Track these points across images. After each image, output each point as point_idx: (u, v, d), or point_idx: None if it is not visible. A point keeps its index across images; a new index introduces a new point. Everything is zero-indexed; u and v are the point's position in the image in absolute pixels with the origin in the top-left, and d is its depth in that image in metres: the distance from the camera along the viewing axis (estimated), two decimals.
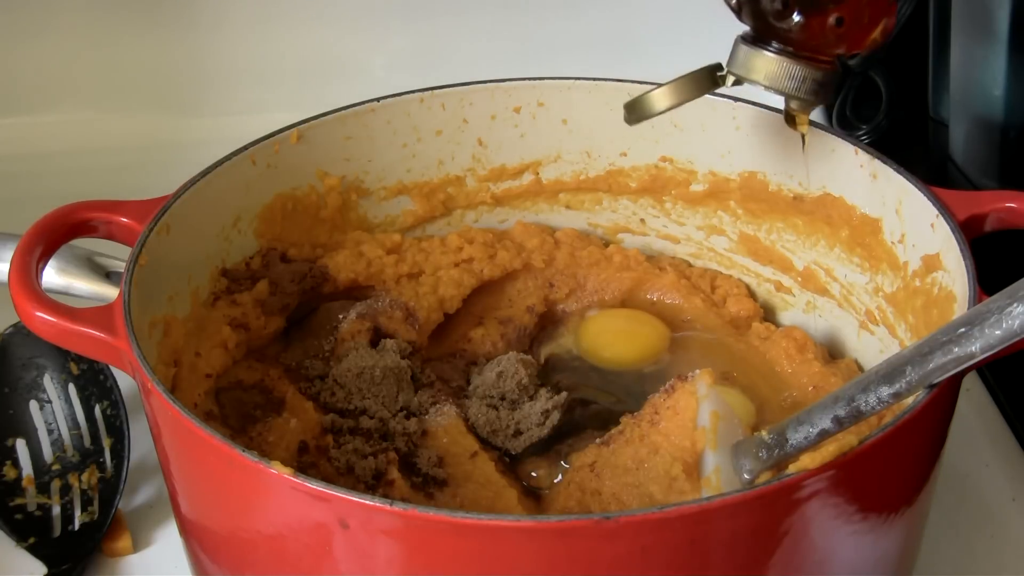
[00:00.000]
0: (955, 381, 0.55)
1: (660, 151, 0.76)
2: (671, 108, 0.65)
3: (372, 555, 0.50)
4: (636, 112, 0.66)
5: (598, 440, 0.62)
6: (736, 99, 0.72)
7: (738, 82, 0.64)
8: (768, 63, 0.62)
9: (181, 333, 0.65)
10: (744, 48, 0.63)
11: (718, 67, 0.65)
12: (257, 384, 0.68)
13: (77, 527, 0.70)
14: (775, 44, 0.63)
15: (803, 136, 0.67)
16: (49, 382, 0.74)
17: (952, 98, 0.88)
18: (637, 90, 0.74)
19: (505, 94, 0.76)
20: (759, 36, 0.63)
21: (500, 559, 0.49)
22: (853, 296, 0.71)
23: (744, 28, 0.64)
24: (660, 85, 0.65)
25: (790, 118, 0.66)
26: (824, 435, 0.53)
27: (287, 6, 1.05)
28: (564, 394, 0.68)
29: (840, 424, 0.53)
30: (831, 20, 0.61)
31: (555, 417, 0.67)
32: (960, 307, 0.59)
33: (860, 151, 0.68)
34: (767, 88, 0.63)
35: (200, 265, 0.68)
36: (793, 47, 0.62)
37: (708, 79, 0.65)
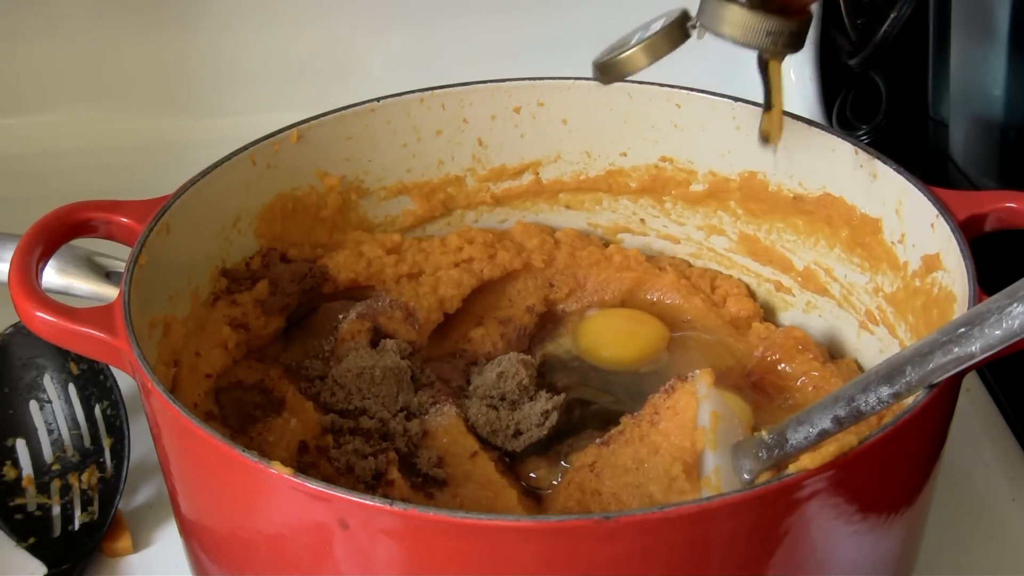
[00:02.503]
0: (955, 381, 0.55)
1: (660, 151, 0.76)
2: (648, 66, 0.64)
3: (372, 555, 0.50)
4: (612, 73, 0.65)
5: (598, 440, 0.62)
6: (736, 99, 0.72)
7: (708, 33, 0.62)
8: (744, 18, 0.61)
9: (181, 333, 0.65)
10: (717, 2, 0.61)
11: (686, 17, 0.64)
12: (257, 384, 0.68)
13: (77, 527, 0.70)
14: None
15: (770, 106, 0.66)
16: (49, 382, 0.74)
17: (952, 98, 0.88)
18: (636, 89, 0.74)
19: (505, 94, 0.76)
20: None
21: (500, 559, 0.48)
22: (853, 296, 0.71)
23: None
24: (632, 46, 0.64)
25: (763, 65, 0.65)
26: (824, 435, 0.53)
27: (288, 6, 1.05)
28: (563, 395, 0.68)
29: (840, 424, 0.53)
30: None
31: (554, 418, 0.67)
32: (960, 307, 0.59)
33: (860, 151, 0.68)
34: (742, 45, 0.62)
35: (200, 265, 0.68)
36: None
37: (679, 32, 0.63)
